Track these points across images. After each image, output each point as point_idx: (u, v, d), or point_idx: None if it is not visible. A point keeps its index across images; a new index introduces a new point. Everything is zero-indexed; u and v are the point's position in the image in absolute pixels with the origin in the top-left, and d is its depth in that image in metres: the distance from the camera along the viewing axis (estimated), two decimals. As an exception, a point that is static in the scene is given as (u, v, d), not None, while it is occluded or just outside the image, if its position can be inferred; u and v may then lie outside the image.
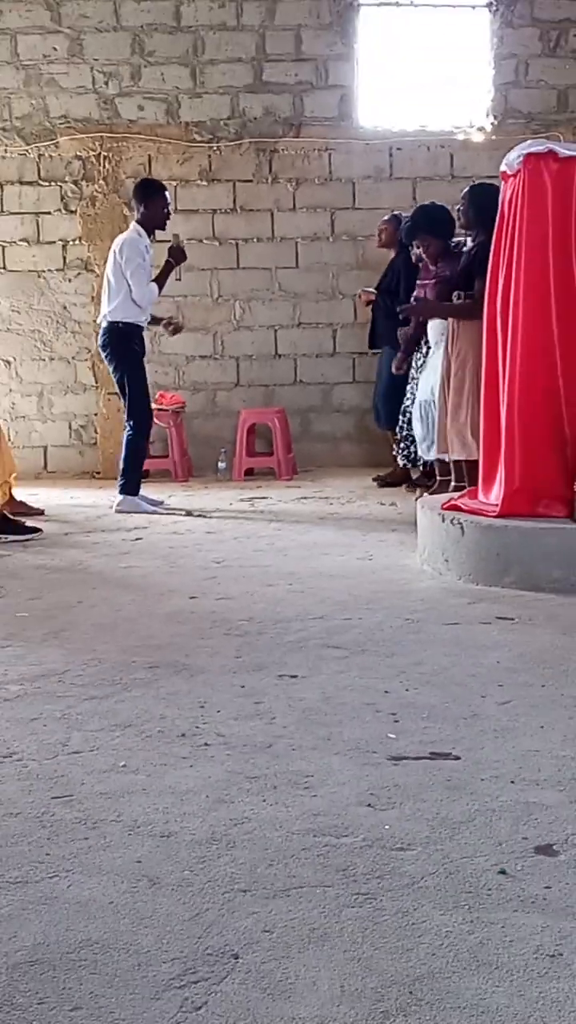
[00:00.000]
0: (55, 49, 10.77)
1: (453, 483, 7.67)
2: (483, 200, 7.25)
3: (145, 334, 8.76)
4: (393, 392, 9.34)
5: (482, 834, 2.72)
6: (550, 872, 2.52)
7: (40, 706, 3.78)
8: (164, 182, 10.31)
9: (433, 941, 2.23)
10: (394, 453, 9.23)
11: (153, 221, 8.56)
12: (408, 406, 8.79)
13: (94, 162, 10.83)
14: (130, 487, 8.52)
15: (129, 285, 8.37)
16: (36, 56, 10.77)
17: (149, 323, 8.78)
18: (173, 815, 2.86)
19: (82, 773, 3.16)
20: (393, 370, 9.34)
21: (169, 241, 8.79)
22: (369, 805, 2.90)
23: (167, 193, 8.68)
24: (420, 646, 4.45)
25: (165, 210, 8.55)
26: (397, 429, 9.07)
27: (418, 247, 8.46)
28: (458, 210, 7.74)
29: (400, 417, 8.94)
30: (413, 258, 8.78)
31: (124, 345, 8.48)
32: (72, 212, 10.88)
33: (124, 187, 10.35)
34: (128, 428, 8.59)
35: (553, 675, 4.03)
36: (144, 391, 8.62)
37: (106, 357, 8.67)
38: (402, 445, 9.01)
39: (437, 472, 8.15)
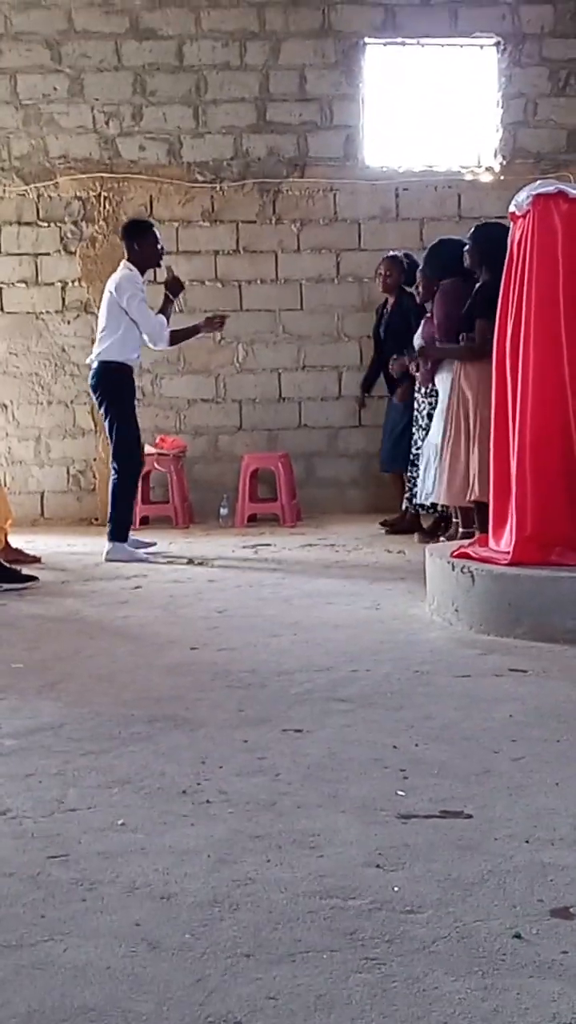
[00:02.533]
0: (55, 89, 10.72)
1: (461, 529, 7.62)
2: (488, 240, 7.29)
3: (137, 375, 8.65)
4: (401, 436, 9.29)
5: (495, 896, 2.65)
6: (567, 936, 2.44)
7: (35, 761, 3.73)
8: (165, 223, 10.31)
9: (445, 1009, 2.17)
10: (406, 496, 9.08)
11: (146, 260, 8.45)
12: (416, 450, 8.69)
13: (94, 203, 10.76)
14: (120, 533, 8.33)
15: (134, 321, 8.24)
16: (36, 96, 10.72)
17: (180, 339, 8.68)
18: (173, 876, 2.80)
19: (79, 831, 3.11)
20: (395, 400, 9.41)
21: (163, 279, 8.71)
22: (377, 866, 2.83)
23: (156, 230, 8.57)
24: (429, 699, 4.40)
25: (157, 247, 8.45)
26: (406, 475, 8.95)
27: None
28: (465, 250, 7.64)
29: (412, 460, 8.84)
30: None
31: (115, 385, 8.30)
32: (71, 253, 10.80)
33: (120, 232, 10.19)
34: (113, 472, 8.39)
35: (568, 730, 3.97)
36: (132, 433, 8.37)
37: (96, 397, 8.50)
38: (411, 490, 8.87)
39: (454, 516, 8.14)
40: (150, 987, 2.27)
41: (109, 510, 8.43)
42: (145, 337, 8.37)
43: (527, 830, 3.03)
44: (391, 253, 9.87)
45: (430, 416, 8.49)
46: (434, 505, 8.48)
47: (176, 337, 8.60)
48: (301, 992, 2.24)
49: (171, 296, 8.60)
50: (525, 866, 2.80)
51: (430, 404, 8.54)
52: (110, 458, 8.57)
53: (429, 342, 8.11)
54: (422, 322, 8.59)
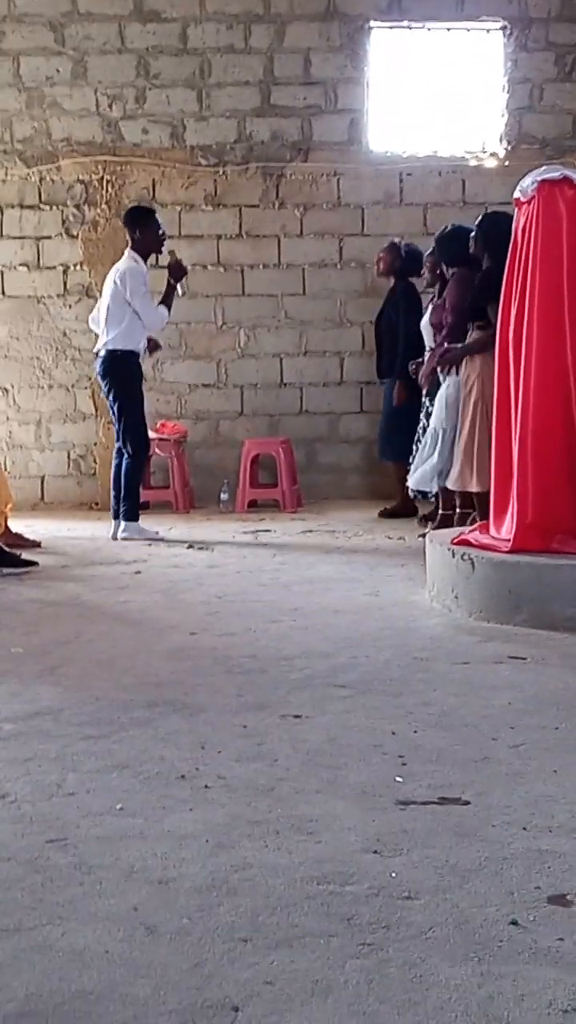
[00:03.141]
0: (58, 71, 10.66)
1: (459, 510, 7.60)
2: (493, 228, 7.29)
3: (142, 360, 8.74)
4: (397, 424, 9.30)
5: (493, 883, 2.64)
6: (564, 923, 2.44)
7: (35, 746, 3.72)
8: (168, 207, 10.27)
9: (441, 995, 2.17)
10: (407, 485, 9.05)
11: (149, 246, 8.60)
12: (420, 436, 8.66)
13: (96, 186, 10.71)
14: (132, 513, 8.57)
15: (136, 312, 8.38)
16: (39, 78, 10.66)
17: (170, 300, 8.68)
18: (171, 860, 2.80)
19: (77, 816, 3.11)
20: (394, 402, 9.43)
21: (166, 262, 8.74)
22: (375, 852, 2.83)
23: (158, 217, 8.67)
24: (429, 686, 4.39)
25: (159, 233, 8.59)
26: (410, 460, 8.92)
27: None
28: (471, 236, 7.62)
29: (414, 447, 8.79)
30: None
31: (123, 373, 8.51)
32: (73, 237, 10.75)
33: (122, 219, 10.16)
34: (126, 456, 8.58)
35: (567, 717, 3.97)
36: (141, 419, 8.63)
37: (104, 385, 8.69)
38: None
39: (441, 504, 8.15)
40: (148, 971, 2.27)
41: (120, 493, 8.57)
42: (146, 324, 8.52)
43: (525, 817, 3.03)
44: (392, 240, 9.85)
45: (427, 394, 8.43)
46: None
47: (167, 307, 8.69)
48: (298, 977, 2.24)
49: (173, 281, 8.68)
50: (522, 853, 2.80)
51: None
52: (115, 443, 8.72)
53: (443, 343, 7.99)
54: (429, 308, 8.55)
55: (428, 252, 8.72)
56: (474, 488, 7.39)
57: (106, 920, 2.48)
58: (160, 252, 8.69)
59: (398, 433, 9.21)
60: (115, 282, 8.47)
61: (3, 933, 2.44)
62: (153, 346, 9.00)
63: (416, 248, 9.41)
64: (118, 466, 8.64)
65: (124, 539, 8.39)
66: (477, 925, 2.43)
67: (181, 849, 2.85)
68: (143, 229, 8.51)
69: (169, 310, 8.65)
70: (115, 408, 8.60)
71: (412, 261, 9.33)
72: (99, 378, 8.76)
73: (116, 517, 8.58)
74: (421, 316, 8.87)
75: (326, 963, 2.29)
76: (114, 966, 2.29)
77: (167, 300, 8.62)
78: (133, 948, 2.37)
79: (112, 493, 8.68)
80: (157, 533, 8.56)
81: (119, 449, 8.65)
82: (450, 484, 7.73)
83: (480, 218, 7.70)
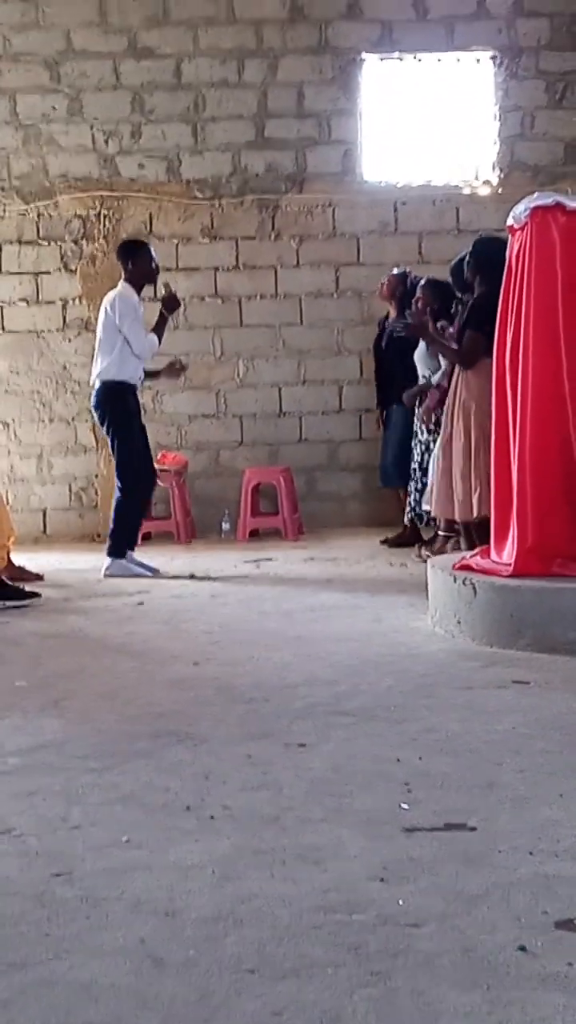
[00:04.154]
0: (54, 108, 10.74)
1: (441, 534, 7.67)
2: (485, 253, 7.29)
3: (139, 392, 8.60)
4: (403, 451, 9.30)
5: (500, 909, 2.62)
6: (572, 948, 2.42)
7: (39, 779, 3.69)
8: (165, 240, 10.33)
9: (450, 1022, 2.15)
10: (407, 510, 9.08)
11: (142, 277, 8.46)
12: (416, 465, 8.69)
13: (94, 221, 10.78)
14: (118, 550, 8.33)
15: (127, 340, 8.24)
16: (35, 115, 10.74)
17: (146, 378, 8.65)
18: (178, 892, 2.77)
19: (83, 849, 3.08)
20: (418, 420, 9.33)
21: (160, 295, 8.72)
22: (381, 880, 2.80)
23: (151, 248, 8.58)
24: (432, 712, 4.36)
25: (152, 264, 8.45)
26: (406, 489, 8.96)
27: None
28: (465, 263, 7.66)
29: (412, 474, 8.83)
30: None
31: (116, 404, 8.31)
32: (72, 271, 10.81)
33: (115, 253, 10.20)
34: (116, 490, 8.41)
35: (572, 741, 3.94)
36: (134, 452, 8.37)
37: (98, 417, 8.51)
38: (411, 502, 8.88)
39: (440, 528, 8.19)
40: (155, 1004, 2.25)
41: (111, 526, 8.44)
42: (135, 352, 8.33)
43: (531, 842, 3.00)
44: (404, 269, 9.88)
45: (430, 432, 8.49)
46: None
47: (158, 337, 8.60)
48: (306, 1008, 2.22)
49: (167, 313, 8.62)
50: (529, 878, 2.77)
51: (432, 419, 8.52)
52: (114, 476, 8.56)
53: (425, 323, 7.99)
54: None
55: (421, 285, 8.79)
56: (466, 517, 7.44)
57: (113, 953, 2.46)
58: (154, 283, 8.59)
59: (404, 459, 9.18)
60: (106, 310, 8.33)
61: (9, 968, 2.42)
62: (179, 368, 8.90)
63: (417, 278, 9.42)
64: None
65: (108, 576, 8.17)
66: (485, 951, 2.41)
67: (187, 880, 2.83)
68: (136, 261, 8.40)
69: (160, 340, 8.52)
70: (110, 441, 8.43)
71: (415, 293, 9.34)
72: (93, 409, 8.53)
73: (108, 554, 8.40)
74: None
75: (334, 993, 2.26)
76: (121, 999, 2.27)
77: (158, 330, 8.51)
78: (140, 981, 2.34)
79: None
80: (153, 570, 8.35)
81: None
82: (434, 511, 7.84)
83: (473, 244, 7.71)
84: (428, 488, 8.20)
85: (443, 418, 7.79)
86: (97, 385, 8.37)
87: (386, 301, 9.89)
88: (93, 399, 8.45)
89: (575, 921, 2.54)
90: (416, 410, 8.81)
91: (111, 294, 8.46)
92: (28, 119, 10.74)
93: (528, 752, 3.81)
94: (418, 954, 2.41)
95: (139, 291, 8.46)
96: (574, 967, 2.33)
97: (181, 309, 9.08)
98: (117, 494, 8.40)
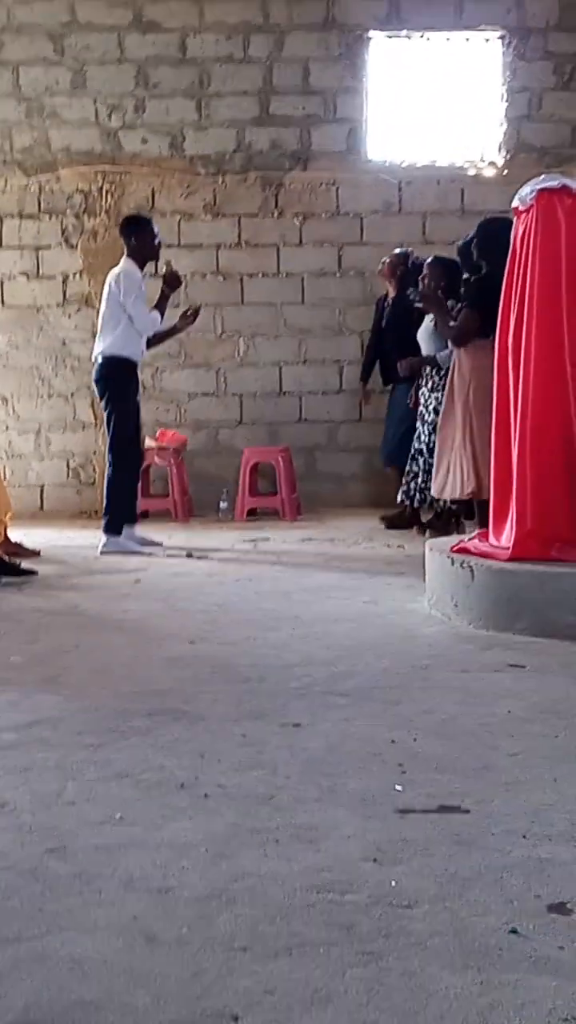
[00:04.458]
0: (58, 81, 10.70)
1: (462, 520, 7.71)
2: (490, 234, 7.32)
3: (139, 370, 8.65)
4: (406, 430, 9.32)
5: (492, 891, 2.61)
6: (564, 931, 2.41)
7: (34, 755, 3.67)
8: (168, 216, 10.28)
9: (441, 1004, 2.14)
10: (402, 491, 9.06)
11: (144, 254, 8.49)
12: (419, 445, 8.69)
13: (96, 195, 10.74)
14: (114, 527, 8.36)
15: (130, 317, 8.28)
16: (38, 88, 10.70)
17: (164, 337, 8.73)
18: (171, 870, 2.76)
19: (77, 825, 3.06)
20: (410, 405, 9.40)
21: (162, 272, 8.72)
22: (375, 860, 2.79)
23: (154, 224, 8.59)
24: (428, 694, 4.35)
25: (155, 241, 8.48)
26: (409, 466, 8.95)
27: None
28: (468, 246, 7.67)
29: (417, 455, 8.82)
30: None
31: (117, 381, 8.37)
32: (73, 246, 10.78)
33: (118, 228, 10.18)
34: (109, 467, 8.44)
35: (567, 726, 3.93)
36: (130, 428, 8.43)
37: (99, 391, 8.56)
38: (408, 484, 8.86)
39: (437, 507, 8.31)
40: (147, 981, 2.24)
41: (104, 503, 8.45)
42: (137, 327, 8.39)
43: (525, 825, 3.00)
44: (406, 251, 9.86)
45: (436, 411, 8.46)
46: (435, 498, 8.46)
47: (157, 338, 8.68)
48: (298, 986, 2.21)
49: (167, 291, 8.64)
50: (522, 861, 2.77)
51: (436, 399, 8.52)
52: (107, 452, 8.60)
53: (436, 295, 8.04)
54: (427, 317, 8.60)
55: (428, 263, 8.76)
56: (464, 494, 7.51)
57: (106, 929, 2.45)
58: (157, 259, 8.63)
59: (407, 439, 9.18)
60: (110, 285, 8.39)
61: (2, 942, 2.41)
62: (192, 315, 8.84)
63: (423, 263, 9.38)
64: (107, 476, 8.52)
65: (104, 553, 8.19)
66: (477, 934, 2.40)
67: (181, 858, 2.82)
68: (139, 237, 8.44)
69: (162, 316, 8.57)
70: (106, 416, 8.49)
71: (416, 273, 9.32)
72: (94, 383, 8.60)
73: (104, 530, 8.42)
74: (420, 323, 8.91)
75: (326, 972, 2.26)
76: (113, 975, 2.27)
77: (160, 307, 8.56)
78: (133, 957, 2.34)
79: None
80: (156, 544, 8.44)
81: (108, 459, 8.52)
82: (435, 492, 7.90)
83: (478, 225, 7.72)
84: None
85: (443, 398, 7.82)
86: (100, 360, 8.41)
87: (387, 280, 9.88)
88: (95, 373, 8.49)
89: (567, 904, 2.54)
90: (423, 390, 8.78)
91: (115, 270, 8.48)
92: (31, 92, 10.69)
93: (523, 736, 3.80)
94: (410, 935, 2.40)
95: (142, 267, 8.47)
96: (566, 950, 2.33)
97: (182, 286, 9.04)
98: (109, 470, 8.43)
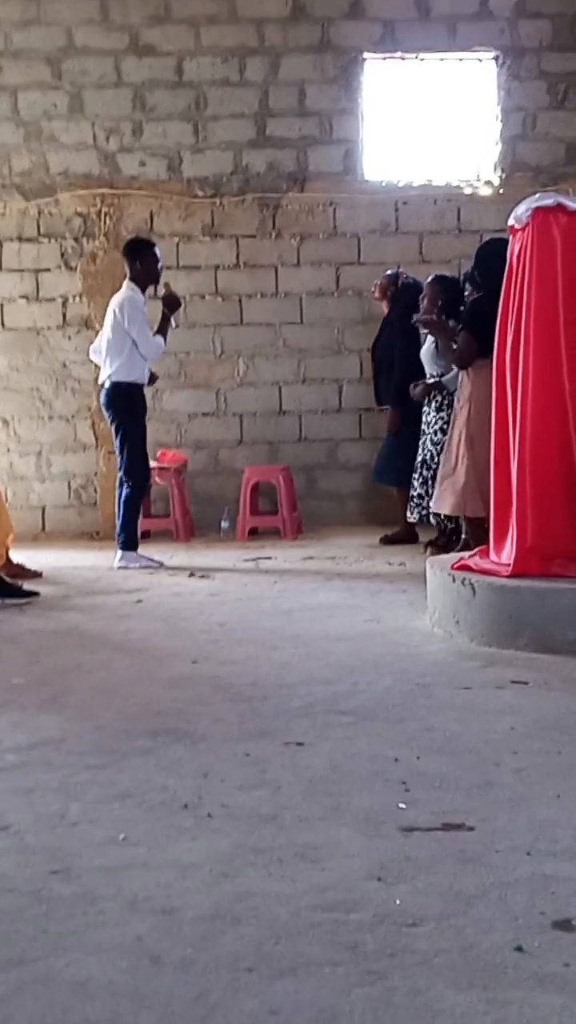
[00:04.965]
0: (55, 105, 10.72)
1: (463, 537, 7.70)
2: (487, 257, 7.36)
3: (146, 391, 8.84)
4: (399, 449, 9.34)
5: (497, 909, 2.62)
6: (569, 948, 2.42)
7: (37, 776, 3.69)
8: (166, 238, 10.32)
9: (447, 1022, 2.15)
10: (408, 514, 9.07)
11: (147, 277, 8.68)
12: (427, 463, 8.73)
13: (95, 218, 10.76)
14: (130, 543, 8.62)
15: (134, 342, 8.46)
16: (36, 112, 10.72)
17: (165, 329, 8.80)
18: (175, 890, 2.77)
19: (80, 846, 3.08)
20: (388, 430, 9.57)
21: (161, 294, 8.83)
22: (379, 879, 2.80)
23: (156, 249, 8.74)
24: (431, 712, 4.36)
25: (158, 265, 8.67)
26: (411, 485, 8.95)
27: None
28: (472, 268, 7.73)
29: (415, 473, 8.83)
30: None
31: (125, 405, 8.59)
32: (72, 269, 10.79)
33: (122, 250, 10.18)
34: (126, 487, 8.64)
35: (570, 741, 3.94)
36: (143, 449, 8.70)
37: (108, 416, 8.78)
38: (414, 502, 8.87)
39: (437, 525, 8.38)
40: (152, 1002, 2.24)
41: (119, 522, 8.66)
42: (142, 353, 8.58)
43: (529, 842, 3.00)
44: (396, 271, 9.91)
45: (442, 430, 8.47)
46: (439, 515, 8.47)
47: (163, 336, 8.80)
48: (303, 1006, 2.21)
49: (168, 312, 8.77)
50: (527, 878, 2.77)
51: (441, 419, 8.54)
52: (119, 473, 8.76)
53: (440, 320, 8.08)
54: (428, 337, 8.69)
55: (428, 281, 8.78)
56: (456, 512, 7.55)
57: (110, 951, 2.45)
58: (158, 283, 8.77)
59: (400, 458, 9.23)
60: (115, 313, 8.56)
61: (6, 964, 2.41)
62: (151, 378, 9.01)
63: (415, 282, 9.41)
64: (121, 495, 8.71)
65: (121, 568, 8.44)
66: (482, 951, 2.40)
67: (184, 879, 2.83)
68: (143, 261, 8.60)
69: (165, 340, 8.74)
70: (118, 439, 8.67)
71: (406, 292, 9.38)
72: (103, 409, 8.82)
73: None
74: (417, 344, 8.94)
75: (331, 992, 2.26)
76: (118, 997, 2.26)
77: (162, 331, 8.71)
78: (137, 979, 2.34)
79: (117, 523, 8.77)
80: (159, 563, 8.57)
81: (121, 479, 8.70)
82: (435, 508, 7.95)
83: (479, 247, 7.76)
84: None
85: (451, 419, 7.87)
86: (107, 385, 8.62)
87: (379, 301, 9.94)
88: (103, 399, 8.71)
89: (572, 921, 2.54)
90: (426, 409, 8.80)
91: (119, 296, 8.63)
92: (29, 116, 10.72)
93: (526, 752, 3.81)
94: (415, 954, 2.40)
95: (143, 290, 8.63)
96: (571, 967, 2.33)
97: (182, 308, 9.09)
98: (127, 489, 8.63)
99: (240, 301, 10.93)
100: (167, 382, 10.51)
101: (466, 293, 8.14)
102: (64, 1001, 2.25)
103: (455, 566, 5.92)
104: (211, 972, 2.35)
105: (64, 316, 10.83)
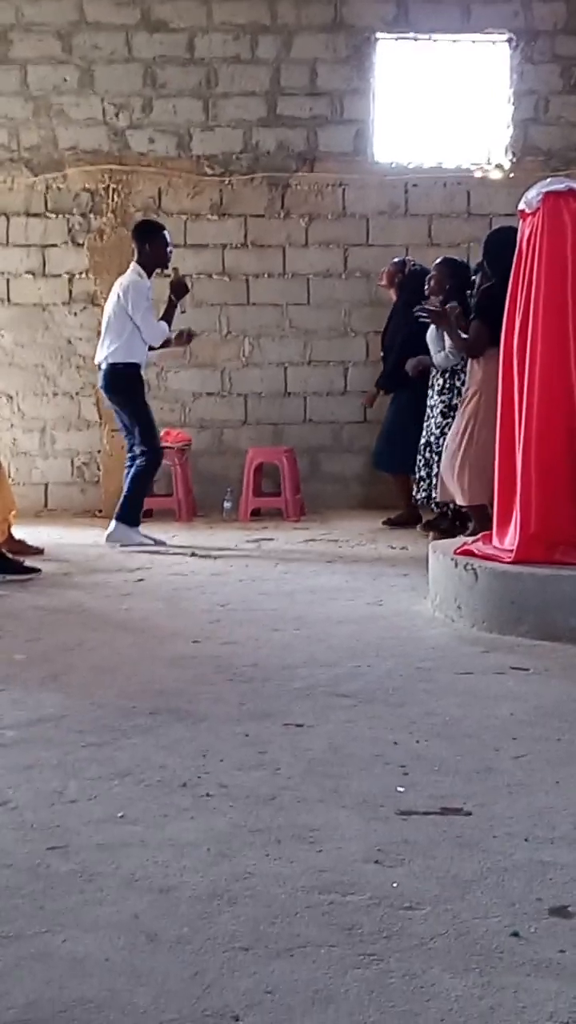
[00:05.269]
0: (65, 80, 10.67)
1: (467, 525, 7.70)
2: (496, 245, 7.31)
3: (144, 371, 8.81)
4: (398, 436, 9.37)
5: (494, 894, 2.64)
6: (565, 935, 2.44)
7: (37, 752, 3.71)
8: (174, 216, 10.28)
9: (442, 1006, 2.16)
10: (414, 494, 9.06)
11: (155, 261, 8.64)
12: (431, 448, 8.73)
13: (103, 195, 10.72)
14: (129, 518, 8.54)
15: (136, 326, 8.45)
16: (46, 87, 10.67)
17: (157, 347, 8.77)
18: (173, 869, 2.79)
19: (79, 823, 3.10)
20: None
21: (169, 279, 8.84)
22: (377, 862, 2.83)
23: (166, 232, 8.70)
24: (431, 696, 4.38)
25: (166, 249, 8.61)
26: (415, 469, 8.94)
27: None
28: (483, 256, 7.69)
29: (419, 456, 8.82)
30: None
31: (125, 386, 8.59)
32: (79, 245, 10.75)
33: (133, 220, 10.16)
34: (140, 461, 8.60)
35: (569, 728, 3.97)
36: (153, 425, 8.68)
37: (110, 399, 8.78)
38: (418, 485, 8.88)
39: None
40: (148, 980, 2.25)
41: (124, 495, 8.61)
42: (145, 338, 8.59)
43: (527, 828, 3.02)
44: (403, 258, 9.90)
45: (443, 414, 8.45)
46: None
47: (168, 323, 8.78)
48: (299, 987, 2.22)
49: (175, 299, 8.79)
50: (524, 864, 2.78)
51: (443, 402, 8.52)
52: (127, 452, 8.79)
53: (446, 311, 8.01)
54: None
55: (435, 263, 8.76)
56: (460, 501, 7.51)
57: (107, 928, 2.47)
58: (166, 268, 8.75)
59: (400, 444, 9.22)
60: (118, 295, 8.55)
61: (4, 940, 2.43)
62: (187, 338, 9.00)
63: (422, 269, 9.37)
64: (130, 472, 8.68)
65: (109, 540, 8.40)
66: (478, 936, 2.42)
67: (182, 857, 2.84)
68: (151, 244, 8.57)
69: (170, 326, 8.73)
70: (126, 418, 8.66)
71: (412, 279, 9.36)
72: (104, 392, 8.82)
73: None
74: (424, 330, 8.91)
75: (327, 973, 2.27)
76: (115, 974, 2.28)
77: (167, 316, 8.72)
78: (134, 956, 2.35)
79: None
80: (159, 542, 8.48)
81: (132, 457, 8.68)
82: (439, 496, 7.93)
83: (487, 234, 7.72)
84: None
85: (459, 405, 7.83)
86: (105, 367, 8.59)
87: (387, 289, 9.91)
88: (102, 381, 8.68)
89: (569, 908, 2.55)
90: (429, 391, 8.78)
91: (124, 279, 8.60)
92: (39, 90, 10.67)
93: (526, 738, 3.82)
94: (411, 937, 2.42)
95: (150, 274, 8.59)
96: (567, 954, 2.34)
97: (189, 294, 9.09)
98: (140, 461, 8.58)
99: (247, 281, 10.89)
100: (172, 361, 10.47)
101: (475, 282, 8.11)
102: (61, 977, 2.27)
103: (458, 551, 5.93)
104: (207, 951, 2.36)
105: (70, 292, 10.80)
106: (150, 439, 8.59)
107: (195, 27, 10.67)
